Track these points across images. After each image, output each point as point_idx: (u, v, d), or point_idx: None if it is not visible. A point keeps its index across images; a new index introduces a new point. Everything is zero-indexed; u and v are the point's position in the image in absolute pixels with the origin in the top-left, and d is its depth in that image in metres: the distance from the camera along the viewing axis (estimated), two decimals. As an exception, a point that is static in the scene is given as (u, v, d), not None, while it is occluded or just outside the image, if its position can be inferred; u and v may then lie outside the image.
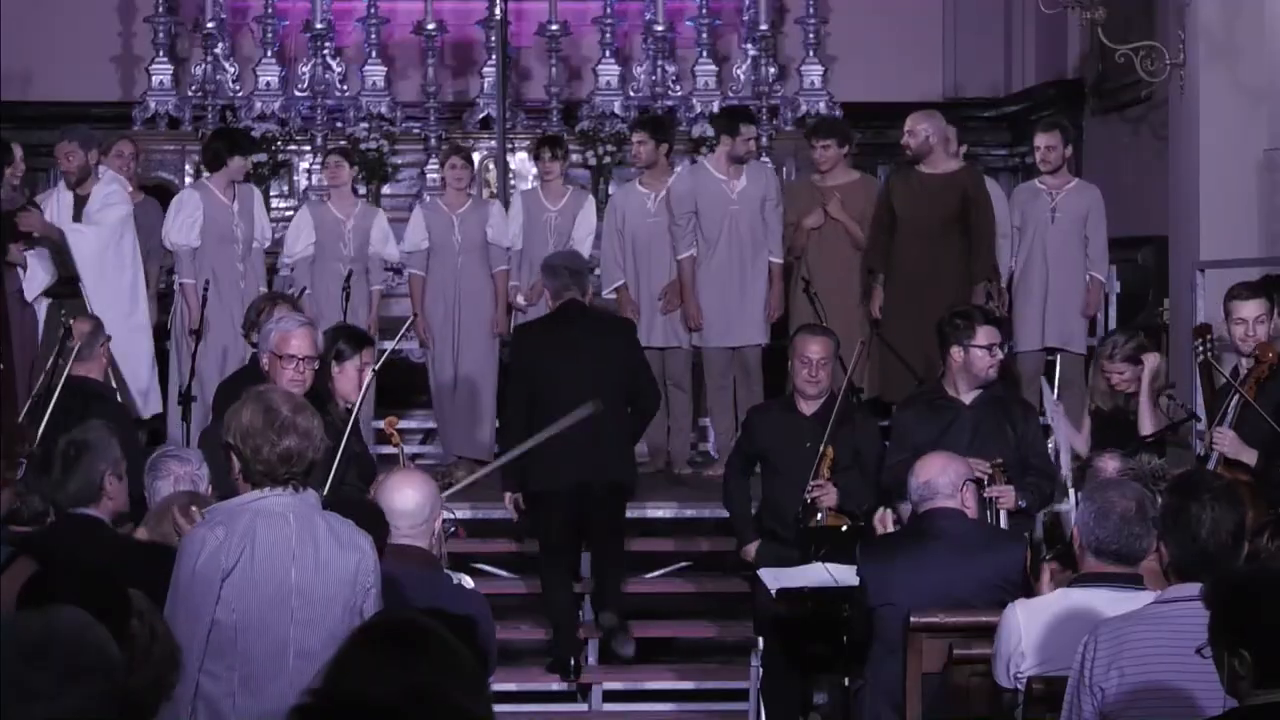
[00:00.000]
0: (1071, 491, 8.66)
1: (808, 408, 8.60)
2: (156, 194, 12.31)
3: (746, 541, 8.76)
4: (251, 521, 5.05)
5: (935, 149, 10.67)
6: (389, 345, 8.39)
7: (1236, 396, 8.01)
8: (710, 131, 13.63)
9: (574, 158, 13.56)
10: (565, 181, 11.86)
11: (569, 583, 9.58)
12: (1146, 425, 8.55)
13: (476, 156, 14.31)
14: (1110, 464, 7.56)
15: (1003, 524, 7.83)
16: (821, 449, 8.33)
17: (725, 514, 9.51)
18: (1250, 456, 7.82)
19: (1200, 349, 8.48)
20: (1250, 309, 8.21)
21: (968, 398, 8.19)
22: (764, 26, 14.60)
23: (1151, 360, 8.79)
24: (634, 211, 11.45)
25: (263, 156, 14.05)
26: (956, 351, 8.16)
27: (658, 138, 11.53)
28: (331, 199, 11.65)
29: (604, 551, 9.55)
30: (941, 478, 6.78)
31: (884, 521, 7.38)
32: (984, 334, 8.15)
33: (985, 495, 7.78)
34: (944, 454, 7.03)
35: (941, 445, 7.67)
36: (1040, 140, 11.17)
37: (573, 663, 9.46)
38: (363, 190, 13.76)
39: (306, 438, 5.08)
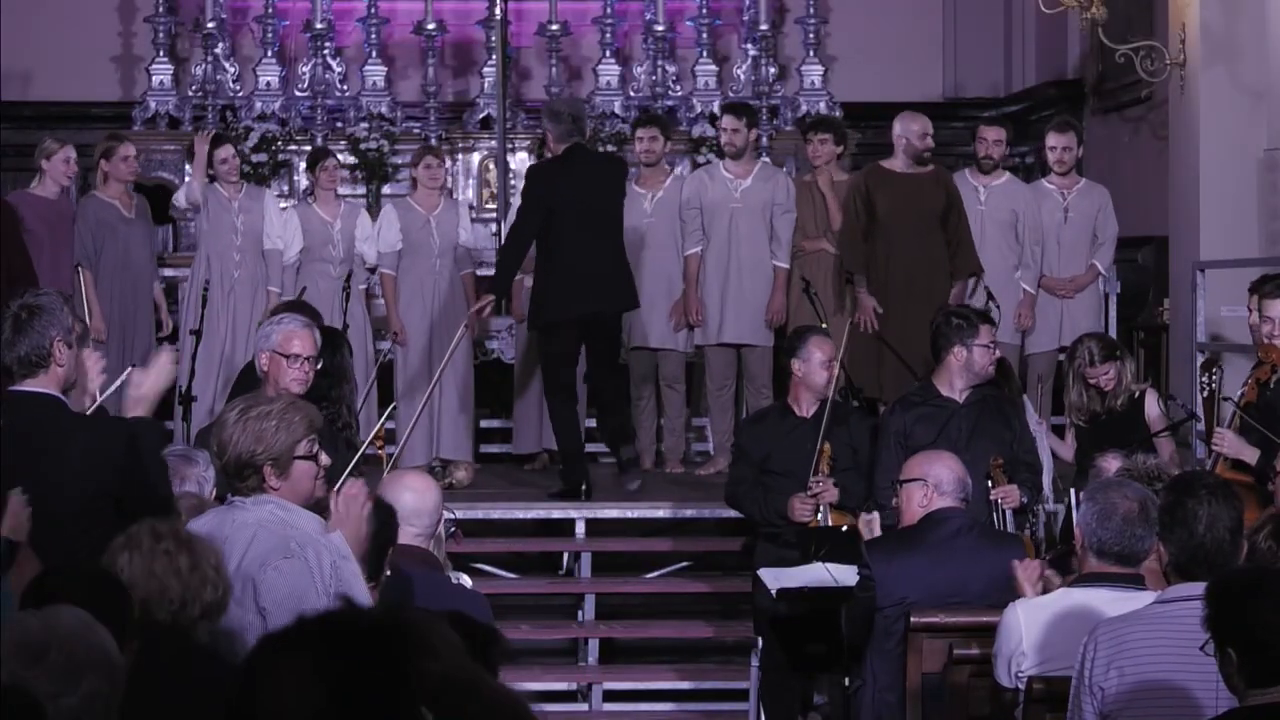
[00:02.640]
0: (1052, 498, 8.75)
1: (806, 409, 8.60)
2: (157, 194, 12.31)
3: (787, 504, 8.41)
4: (202, 527, 5.02)
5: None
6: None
7: (1241, 398, 8.01)
8: (710, 131, 13.65)
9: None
10: None
11: (576, 410, 10.55)
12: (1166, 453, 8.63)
13: (476, 156, 14.35)
14: (1114, 464, 7.57)
15: (1009, 522, 7.86)
16: (819, 446, 8.34)
17: (725, 514, 9.49)
18: (1251, 456, 7.82)
19: (1206, 384, 8.57)
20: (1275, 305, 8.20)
21: (961, 396, 8.23)
22: (764, 26, 14.61)
23: (1151, 402, 8.93)
24: (629, 213, 11.43)
25: (263, 156, 14.06)
26: (959, 351, 8.18)
27: (667, 134, 11.60)
28: (318, 201, 11.59)
29: (608, 384, 10.50)
30: (950, 475, 6.79)
31: (871, 526, 7.35)
32: (985, 332, 8.24)
33: (991, 497, 7.81)
34: (948, 454, 7.03)
35: (940, 445, 7.68)
36: (1056, 141, 11.13)
37: (584, 486, 10.21)
38: (361, 190, 13.76)
39: (237, 454, 5.07)
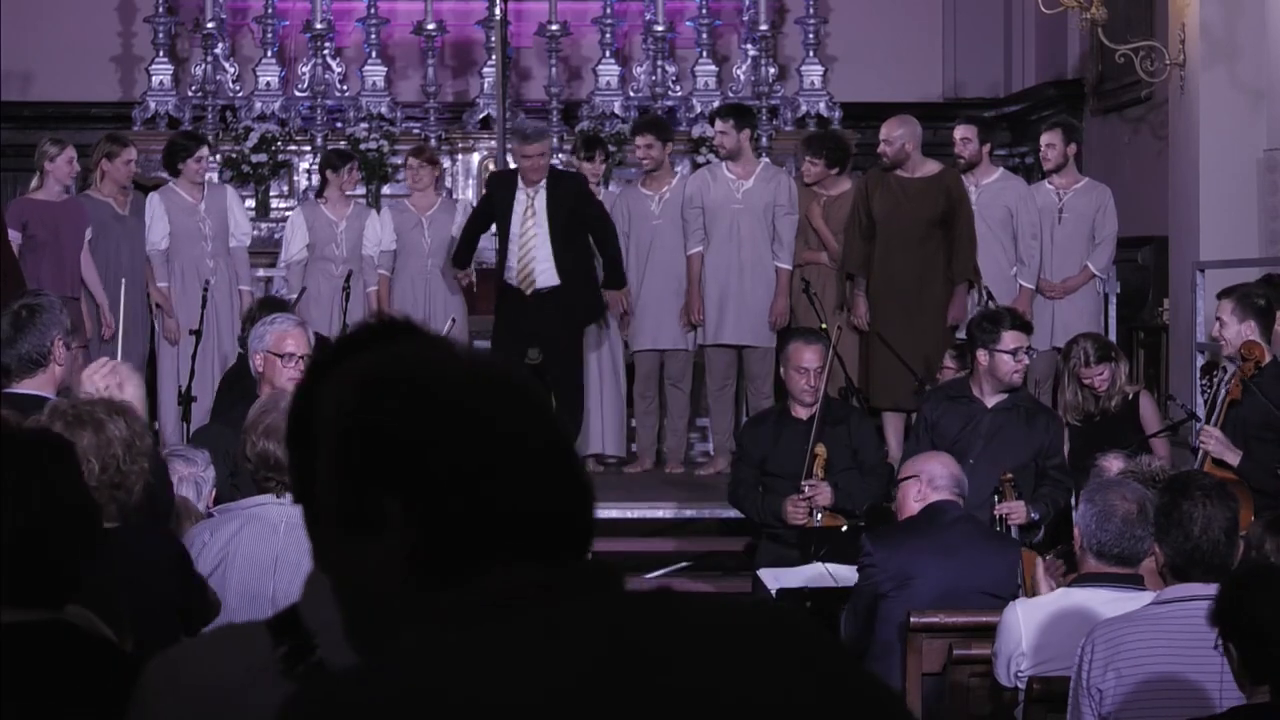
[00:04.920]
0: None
1: (804, 413, 8.60)
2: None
3: (781, 505, 8.42)
4: (240, 528, 4.94)
5: (911, 154, 10.64)
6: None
7: (1225, 397, 8.04)
8: (710, 131, 13.64)
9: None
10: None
11: None
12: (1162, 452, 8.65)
13: (476, 157, 14.34)
14: (1115, 464, 7.57)
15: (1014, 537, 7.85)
16: (810, 449, 8.34)
17: (725, 514, 9.50)
18: (1234, 457, 7.85)
19: (1207, 385, 8.60)
20: (1220, 307, 8.26)
21: (990, 400, 8.17)
22: (764, 26, 14.59)
23: (1146, 404, 8.95)
24: (637, 215, 11.46)
25: (263, 156, 14.06)
26: (982, 354, 8.16)
27: (664, 138, 11.58)
28: (327, 201, 11.63)
29: None
30: (943, 470, 6.81)
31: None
32: (1009, 338, 8.12)
33: (995, 511, 7.78)
34: (942, 454, 7.05)
35: (959, 442, 7.70)
36: (1041, 139, 11.24)
37: None
38: (362, 190, 13.76)
39: None
